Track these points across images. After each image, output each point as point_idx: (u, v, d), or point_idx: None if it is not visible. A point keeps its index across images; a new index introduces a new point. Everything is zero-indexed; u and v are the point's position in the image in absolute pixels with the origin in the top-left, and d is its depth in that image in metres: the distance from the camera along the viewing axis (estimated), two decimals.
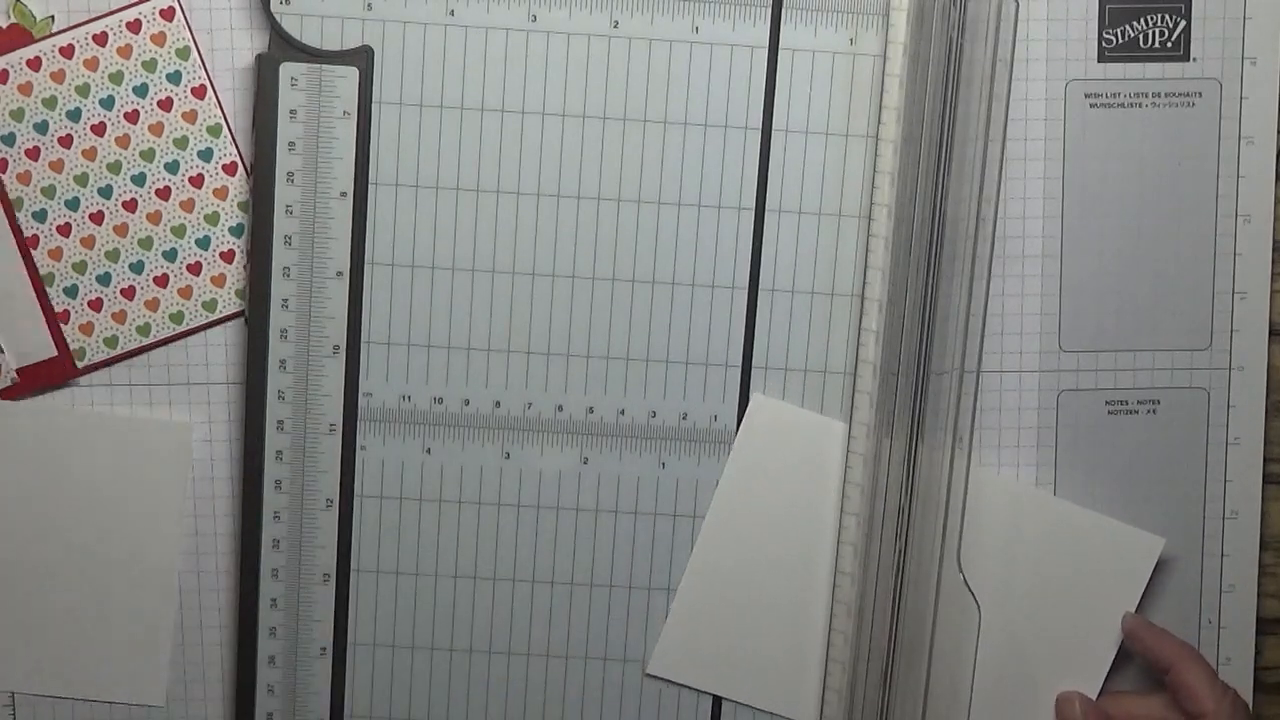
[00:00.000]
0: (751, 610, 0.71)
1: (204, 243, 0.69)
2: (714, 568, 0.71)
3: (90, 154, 0.68)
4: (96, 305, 0.69)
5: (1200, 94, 0.70)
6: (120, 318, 0.69)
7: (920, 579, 0.69)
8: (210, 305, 0.70)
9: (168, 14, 0.68)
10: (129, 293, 0.69)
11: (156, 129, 0.69)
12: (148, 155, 0.69)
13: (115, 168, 0.68)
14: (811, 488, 0.70)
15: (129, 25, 0.68)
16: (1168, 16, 0.70)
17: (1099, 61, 0.70)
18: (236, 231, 0.69)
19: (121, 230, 0.69)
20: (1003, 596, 0.70)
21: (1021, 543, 0.70)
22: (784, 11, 0.69)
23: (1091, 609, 0.71)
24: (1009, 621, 0.71)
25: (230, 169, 0.69)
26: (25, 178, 0.68)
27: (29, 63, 0.68)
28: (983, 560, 0.70)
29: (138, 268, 0.69)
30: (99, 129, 0.68)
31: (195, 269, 0.69)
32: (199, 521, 0.70)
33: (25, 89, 0.68)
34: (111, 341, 0.69)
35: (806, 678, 0.71)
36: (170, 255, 0.69)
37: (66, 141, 0.68)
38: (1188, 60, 0.70)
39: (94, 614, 0.70)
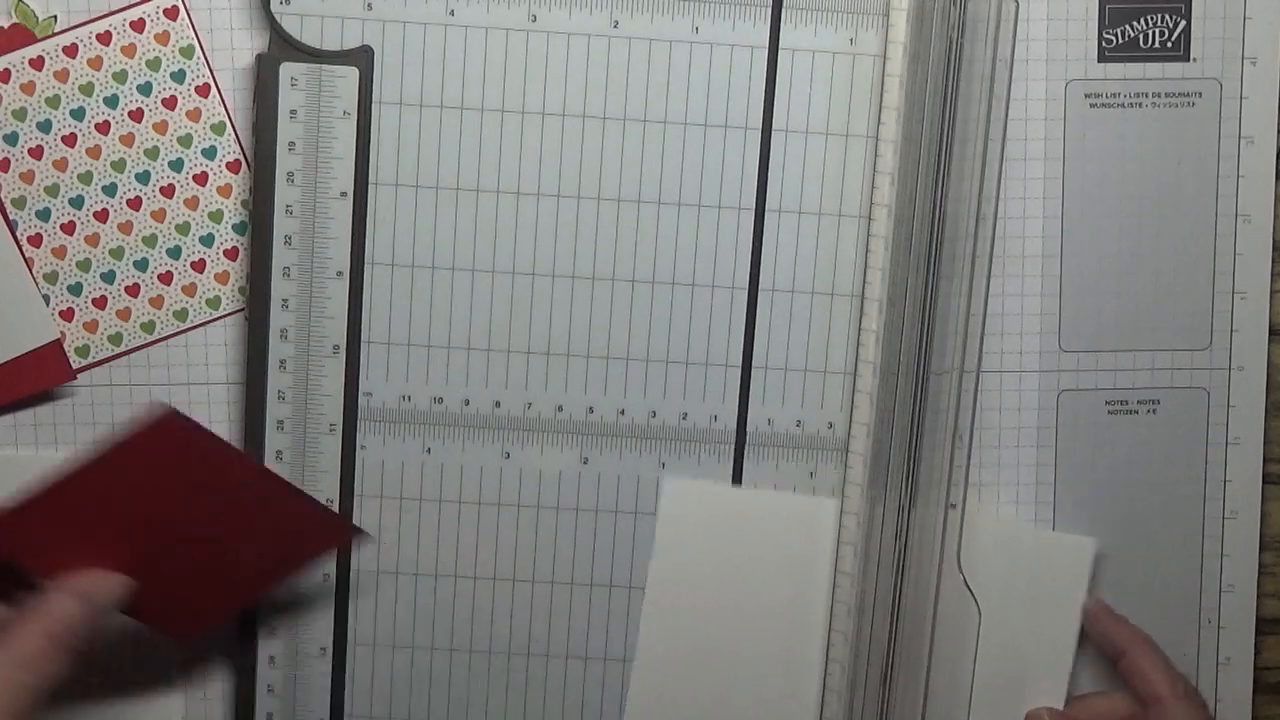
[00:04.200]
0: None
1: (208, 240, 0.70)
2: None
3: (94, 152, 0.69)
4: (101, 303, 0.69)
5: (1200, 94, 0.70)
6: (125, 315, 0.70)
7: (920, 579, 0.69)
8: (214, 302, 0.70)
9: (171, 13, 0.68)
10: (133, 290, 0.70)
11: (161, 127, 0.69)
12: (152, 153, 0.69)
13: (119, 165, 0.69)
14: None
15: (132, 24, 0.68)
16: (1168, 16, 0.70)
17: (1099, 61, 0.70)
18: (240, 229, 0.70)
19: (126, 228, 0.69)
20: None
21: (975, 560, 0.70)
22: (784, 11, 0.69)
23: (1043, 617, 0.70)
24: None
25: (234, 166, 0.69)
26: (29, 176, 0.69)
27: (31, 62, 0.68)
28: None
29: (142, 265, 0.70)
30: (103, 127, 0.69)
31: (199, 266, 0.70)
32: None
33: (28, 88, 0.68)
34: (116, 339, 0.70)
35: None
36: (174, 252, 0.70)
37: (70, 140, 0.69)
38: (1188, 60, 0.70)
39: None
